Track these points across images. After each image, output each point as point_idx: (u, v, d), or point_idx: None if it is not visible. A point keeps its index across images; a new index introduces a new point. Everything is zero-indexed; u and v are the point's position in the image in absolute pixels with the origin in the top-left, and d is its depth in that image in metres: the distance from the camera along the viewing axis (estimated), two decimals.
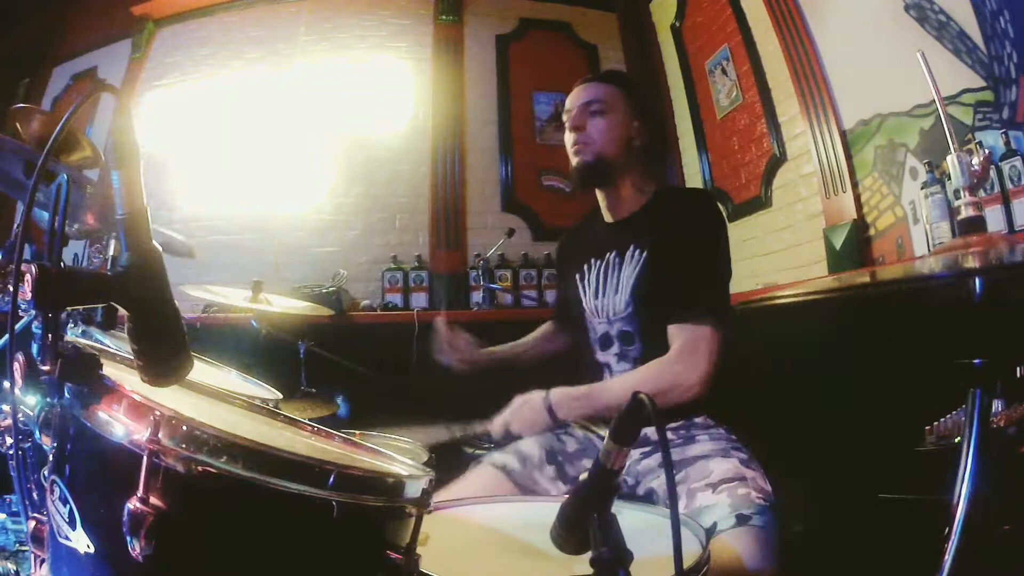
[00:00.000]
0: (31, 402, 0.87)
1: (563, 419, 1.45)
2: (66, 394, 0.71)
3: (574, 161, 1.66)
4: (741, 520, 1.22)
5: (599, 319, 1.63)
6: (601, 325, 1.63)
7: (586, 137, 1.63)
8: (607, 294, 1.61)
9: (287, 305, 2.37)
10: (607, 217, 1.73)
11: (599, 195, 1.72)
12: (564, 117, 1.71)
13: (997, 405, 1.27)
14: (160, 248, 0.71)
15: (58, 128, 0.76)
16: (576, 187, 1.70)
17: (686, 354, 1.42)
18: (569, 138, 1.67)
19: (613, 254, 1.63)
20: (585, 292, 1.67)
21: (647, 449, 1.49)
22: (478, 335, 1.91)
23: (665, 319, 1.50)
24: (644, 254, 1.57)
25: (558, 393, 1.46)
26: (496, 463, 1.53)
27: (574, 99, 1.68)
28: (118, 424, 0.67)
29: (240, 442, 0.66)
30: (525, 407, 1.45)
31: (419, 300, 3.94)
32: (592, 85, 1.68)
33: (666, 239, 1.55)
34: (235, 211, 4.09)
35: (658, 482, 1.44)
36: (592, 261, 1.67)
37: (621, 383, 1.51)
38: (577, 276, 1.69)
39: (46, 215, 0.77)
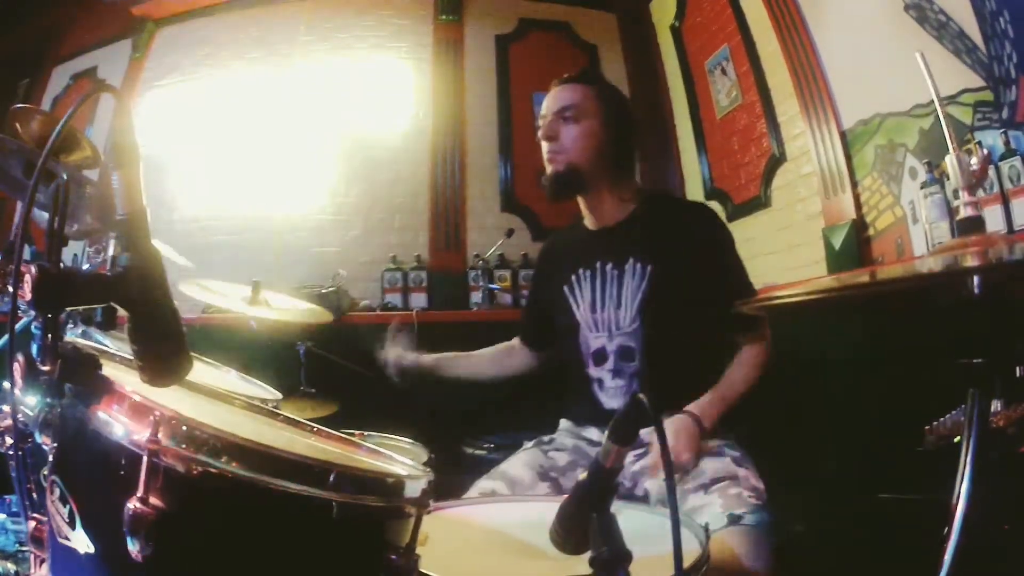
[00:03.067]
0: (31, 402, 0.87)
1: (708, 430, 1.44)
2: (66, 394, 0.71)
3: (548, 170, 1.63)
4: (733, 520, 1.22)
5: (595, 333, 1.59)
6: (597, 339, 1.58)
7: (558, 146, 1.60)
8: (606, 307, 1.57)
9: (286, 308, 2.37)
10: (590, 224, 1.69)
11: (580, 202, 1.69)
12: (539, 122, 1.66)
13: (997, 405, 1.27)
14: (160, 248, 0.71)
15: (58, 128, 0.76)
16: (549, 197, 1.66)
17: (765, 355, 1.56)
18: (543, 147, 1.63)
19: (609, 265, 1.59)
20: (578, 304, 1.62)
21: (640, 451, 1.48)
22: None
23: (676, 335, 1.50)
24: (649, 268, 1.54)
25: (698, 408, 1.45)
26: (484, 491, 1.47)
27: (548, 105, 1.64)
28: (118, 424, 0.67)
29: (240, 442, 0.66)
30: (683, 435, 1.39)
31: (419, 300, 3.93)
32: (566, 88, 1.64)
33: (683, 254, 1.53)
34: (235, 211, 4.09)
35: (652, 482, 1.44)
36: (581, 272, 1.63)
37: (741, 375, 1.53)
38: (565, 287, 1.65)
39: (46, 215, 0.77)
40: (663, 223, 1.61)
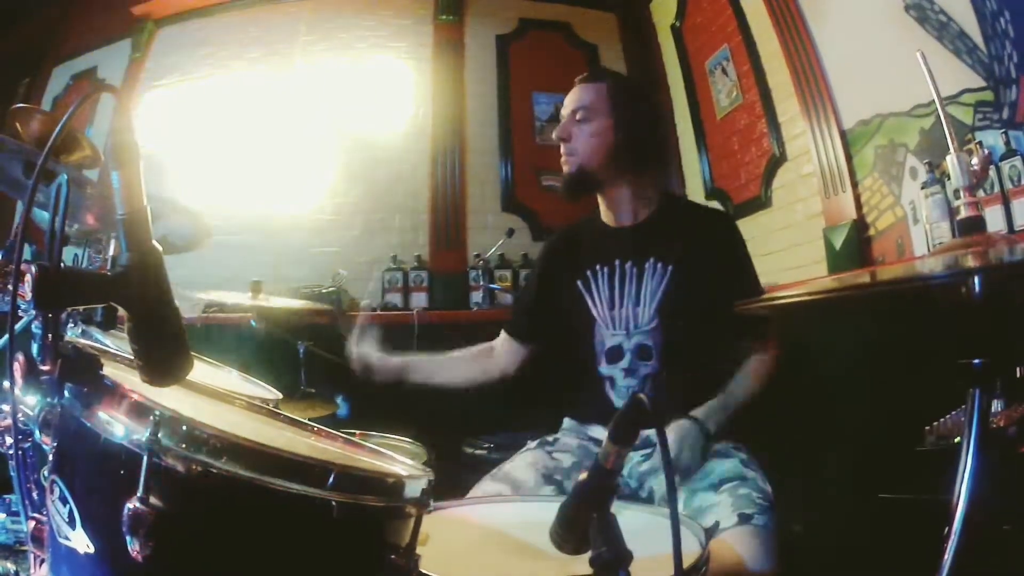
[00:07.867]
0: (31, 402, 0.87)
1: (713, 434, 1.44)
2: (66, 394, 0.71)
3: (563, 171, 1.65)
4: (743, 519, 1.23)
5: (612, 330, 1.59)
6: (614, 337, 1.58)
7: (570, 148, 1.62)
8: (625, 305, 1.58)
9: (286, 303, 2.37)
10: (608, 220, 1.70)
11: (599, 198, 1.70)
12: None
13: (997, 405, 1.27)
14: (160, 248, 0.71)
15: (58, 128, 0.76)
16: (564, 197, 1.67)
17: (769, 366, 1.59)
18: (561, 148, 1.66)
19: (628, 263, 1.59)
20: (595, 301, 1.62)
21: (648, 451, 1.48)
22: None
23: (693, 337, 1.51)
24: (670, 268, 1.55)
25: (703, 413, 1.45)
26: (488, 493, 1.46)
27: (565, 105, 1.67)
28: (118, 424, 0.67)
29: (240, 442, 0.66)
30: (687, 444, 1.38)
31: (419, 300, 3.93)
32: (580, 88, 1.67)
33: (703, 257, 1.55)
34: (235, 211, 4.08)
35: (659, 482, 1.44)
36: (598, 268, 1.63)
37: (743, 386, 1.54)
38: (579, 283, 1.65)
39: (46, 215, 0.77)
40: (684, 225, 1.63)
